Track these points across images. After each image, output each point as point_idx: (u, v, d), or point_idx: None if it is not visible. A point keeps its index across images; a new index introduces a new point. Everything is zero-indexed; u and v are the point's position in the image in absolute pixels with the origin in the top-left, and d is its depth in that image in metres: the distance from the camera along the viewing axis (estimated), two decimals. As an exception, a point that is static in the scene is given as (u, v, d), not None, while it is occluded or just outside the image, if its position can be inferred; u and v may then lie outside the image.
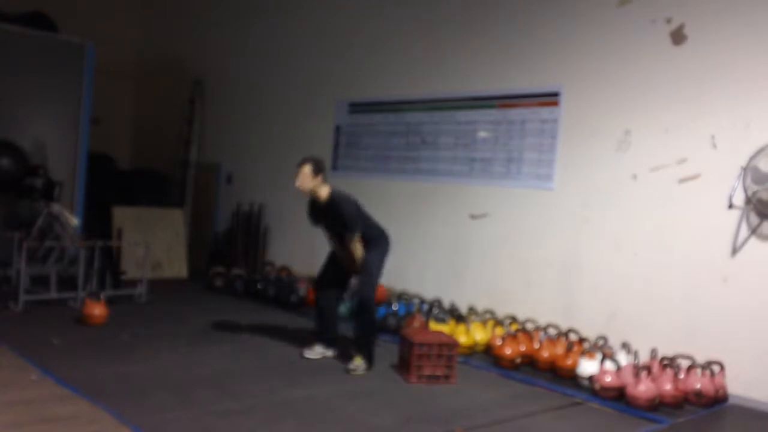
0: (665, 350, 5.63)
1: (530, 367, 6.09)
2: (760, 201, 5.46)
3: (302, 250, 8.85)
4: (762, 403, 5.41)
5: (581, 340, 6.05)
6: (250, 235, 9.92)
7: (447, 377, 5.55)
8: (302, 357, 5.95)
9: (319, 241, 7.85)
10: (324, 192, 5.81)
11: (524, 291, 6.88)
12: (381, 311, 7.15)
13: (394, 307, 7.15)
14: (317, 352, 6.05)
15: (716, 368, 5.43)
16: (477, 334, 6.50)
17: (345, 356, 5.92)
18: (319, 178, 5.77)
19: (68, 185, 8.54)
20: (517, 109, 7.08)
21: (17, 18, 8.90)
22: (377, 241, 5.95)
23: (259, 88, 10.05)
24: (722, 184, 5.68)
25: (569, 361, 5.81)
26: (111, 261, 7.98)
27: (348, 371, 5.65)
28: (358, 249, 5.84)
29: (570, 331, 6.17)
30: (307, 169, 5.75)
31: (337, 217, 5.77)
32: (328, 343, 6.10)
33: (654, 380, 5.22)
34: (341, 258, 6.03)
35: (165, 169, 11.13)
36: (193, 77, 11.00)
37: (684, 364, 5.46)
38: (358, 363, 5.70)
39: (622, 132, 6.31)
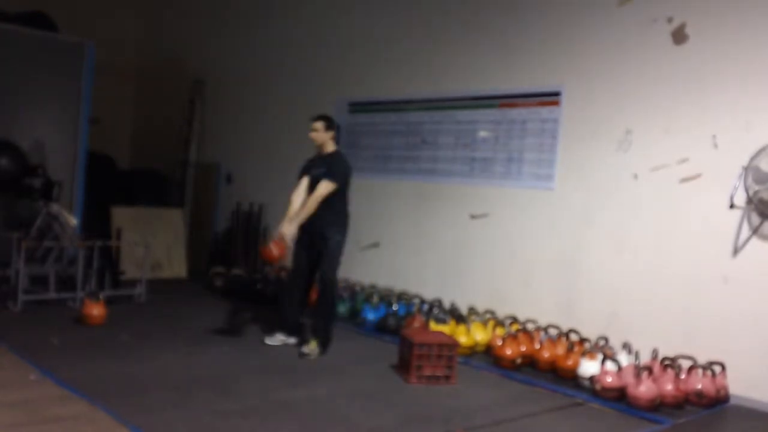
0: (666, 350, 5.62)
1: (531, 367, 6.08)
2: (762, 201, 5.44)
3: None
4: (763, 404, 5.40)
5: (582, 341, 6.03)
6: (249, 235, 9.90)
7: (447, 378, 5.53)
8: (263, 343, 6.18)
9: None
10: (330, 148, 6.27)
11: (525, 291, 6.87)
12: (381, 311, 7.14)
13: (394, 307, 7.13)
14: (278, 339, 6.27)
15: (717, 368, 5.41)
16: (477, 335, 6.48)
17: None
18: (331, 134, 6.24)
19: (67, 185, 8.51)
20: (517, 108, 7.07)
21: (17, 17, 8.87)
22: (341, 227, 6.22)
23: (258, 88, 10.03)
24: (723, 184, 5.66)
25: (570, 362, 5.80)
26: (110, 261, 7.94)
27: (302, 355, 5.85)
28: (313, 201, 6.00)
29: (571, 331, 6.16)
30: (319, 124, 6.22)
31: (327, 166, 6.14)
32: (289, 331, 6.30)
33: (655, 381, 5.21)
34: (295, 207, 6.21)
35: (165, 169, 11.12)
36: (193, 77, 10.98)
37: (685, 364, 5.44)
38: (312, 347, 5.93)
39: (623, 132, 6.29)
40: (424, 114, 7.91)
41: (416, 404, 5.00)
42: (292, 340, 6.31)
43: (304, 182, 6.26)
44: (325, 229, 6.11)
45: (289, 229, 5.94)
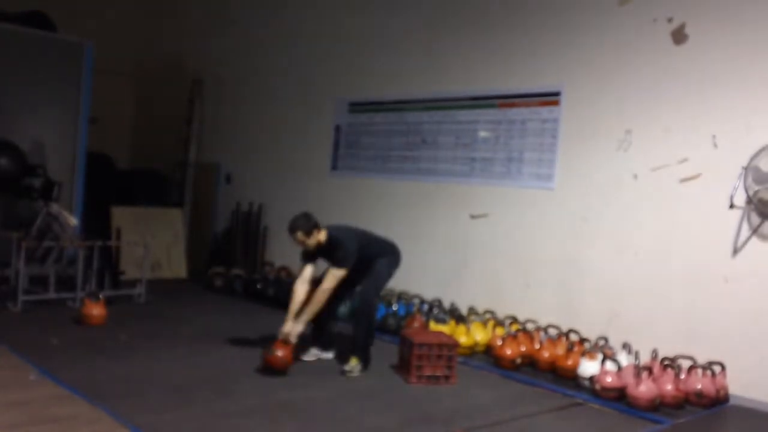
0: (666, 350, 5.60)
1: (531, 367, 6.06)
2: (761, 201, 5.43)
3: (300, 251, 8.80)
4: (763, 404, 5.39)
5: (582, 341, 6.01)
6: (249, 235, 9.86)
7: (447, 378, 5.52)
8: (298, 359, 5.82)
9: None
10: (322, 237, 5.74)
11: (524, 291, 6.85)
12: (381, 311, 7.10)
13: (394, 307, 7.11)
14: (312, 354, 5.97)
15: (717, 368, 5.40)
16: (477, 335, 6.46)
17: (342, 358, 5.87)
18: (315, 232, 5.67)
19: (67, 185, 8.47)
20: (517, 108, 7.05)
21: (16, 17, 8.83)
22: (389, 255, 6.02)
23: (258, 88, 10.00)
24: (723, 184, 5.65)
25: (570, 362, 5.79)
26: (110, 261, 7.92)
27: (343, 373, 5.59)
28: (322, 294, 5.62)
29: (570, 331, 6.15)
30: (300, 235, 5.64)
31: (330, 255, 5.75)
32: (324, 346, 6.04)
33: (655, 381, 5.20)
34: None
35: (164, 169, 11.08)
36: (193, 76, 10.94)
37: (685, 364, 5.43)
38: (353, 364, 5.63)
39: (623, 131, 6.28)
40: (423, 114, 7.89)
41: (416, 404, 4.99)
42: (327, 355, 6.02)
43: (309, 270, 5.80)
44: (373, 260, 5.91)
45: (294, 328, 5.51)
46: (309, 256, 5.83)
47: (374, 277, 5.85)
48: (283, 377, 5.38)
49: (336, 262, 5.67)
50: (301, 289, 5.74)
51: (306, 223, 5.67)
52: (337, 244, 5.70)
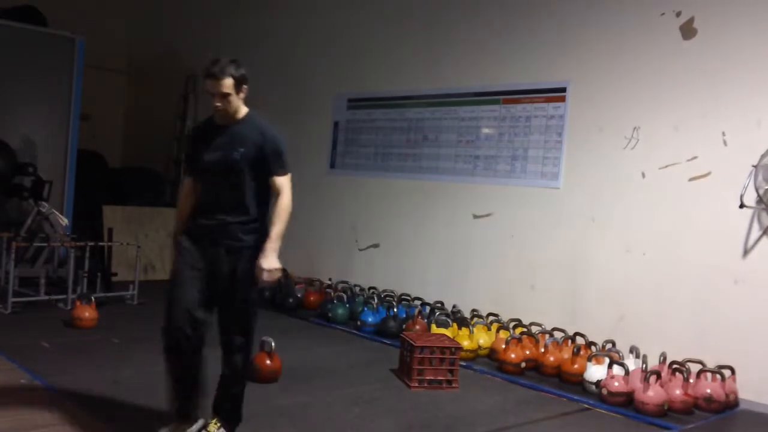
0: (675, 354, 5.54)
1: (535, 372, 5.99)
2: (773, 200, 5.37)
3: (299, 252, 8.72)
4: (775, 409, 5.33)
5: (588, 344, 5.95)
6: (245, 235, 9.80)
7: (449, 382, 5.45)
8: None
9: (319, 243, 7.75)
10: (243, 110, 3.99)
11: (529, 293, 6.79)
12: (381, 314, 7.03)
13: (395, 310, 7.01)
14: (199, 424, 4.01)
15: (727, 373, 5.35)
16: (480, 338, 6.39)
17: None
18: (244, 92, 3.94)
19: (58, 184, 8.46)
20: (522, 104, 7.00)
21: (6, 12, 8.82)
22: (264, 232, 4.00)
23: (253, 83, 9.79)
24: (733, 183, 5.58)
25: (576, 366, 5.72)
26: (102, 262, 7.88)
27: None
28: (288, 194, 3.95)
29: (577, 334, 6.08)
30: (229, 84, 3.83)
31: (251, 147, 3.91)
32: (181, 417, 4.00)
33: (663, 385, 5.14)
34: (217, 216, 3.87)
35: (157, 167, 11.03)
36: (187, 72, 10.87)
37: (694, 368, 5.36)
38: (212, 429, 3.95)
39: (631, 128, 6.21)
40: (425, 110, 7.84)
41: (417, 410, 4.92)
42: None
43: (192, 184, 4.04)
44: (242, 250, 3.94)
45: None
46: (202, 144, 4.03)
47: (243, 308, 3.96)
48: (280, 382, 5.28)
49: (280, 167, 3.95)
50: (187, 204, 4.02)
51: (238, 69, 3.87)
52: (263, 129, 4.01)
